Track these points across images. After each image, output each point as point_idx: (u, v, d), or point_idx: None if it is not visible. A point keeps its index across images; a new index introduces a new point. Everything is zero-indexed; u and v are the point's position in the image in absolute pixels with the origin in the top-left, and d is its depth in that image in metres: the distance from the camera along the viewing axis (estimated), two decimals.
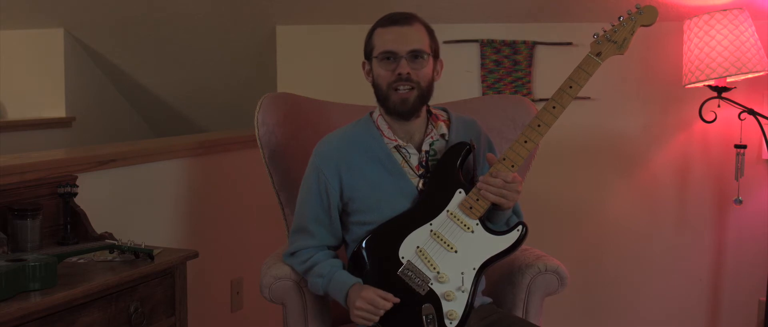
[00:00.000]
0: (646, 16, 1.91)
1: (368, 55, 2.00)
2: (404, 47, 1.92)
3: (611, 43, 1.90)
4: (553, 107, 1.89)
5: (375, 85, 1.99)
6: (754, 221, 3.12)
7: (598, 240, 3.27)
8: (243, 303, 3.10)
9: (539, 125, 1.90)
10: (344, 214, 2.03)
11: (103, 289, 1.78)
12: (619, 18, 1.92)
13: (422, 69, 1.94)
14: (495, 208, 1.92)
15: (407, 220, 1.94)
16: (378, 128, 2.02)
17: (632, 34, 1.91)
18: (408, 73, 1.92)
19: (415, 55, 1.93)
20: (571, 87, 1.89)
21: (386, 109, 1.98)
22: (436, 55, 2.01)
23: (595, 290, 3.28)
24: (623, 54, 1.92)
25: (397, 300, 1.85)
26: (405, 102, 1.94)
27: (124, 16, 3.77)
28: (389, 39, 1.94)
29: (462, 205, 1.90)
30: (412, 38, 1.94)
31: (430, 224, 1.92)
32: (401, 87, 1.93)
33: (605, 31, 1.92)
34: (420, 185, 1.98)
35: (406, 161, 1.99)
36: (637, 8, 1.92)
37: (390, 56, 1.93)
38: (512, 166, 1.88)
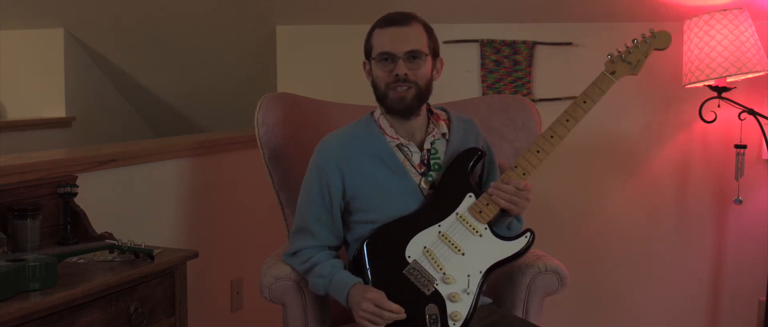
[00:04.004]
0: (660, 41, 1.97)
1: (368, 54, 2.01)
2: (401, 48, 1.93)
3: (626, 63, 1.96)
4: (567, 120, 1.93)
5: (374, 85, 2.00)
6: (754, 221, 3.11)
7: (598, 240, 3.27)
8: (243, 303, 3.10)
9: (553, 136, 1.93)
10: (346, 213, 2.03)
11: (103, 289, 1.78)
12: (634, 40, 1.97)
13: (420, 69, 1.95)
14: (503, 213, 1.94)
15: (415, 220, 1.94)
16: (380, 127, 2.02)
17: (646, 57, 1.96)
18: (405, 74, 1.92)
19: (412, 55, 1.94)
20: (585, 102, 1.94)
21: (385, 108, 2.00)
22: (435, 54, 2.01)
23: (595, 290, 3.28)
24: (637, 75, 1.97)
25: (404, 315, 1.85)
26: (402, 100, 1.94)
27: (124, 16, 3.77)
28: (386, 40, 1.95)
29: (472, 209, 1.92)
30: (410, 38, 1.94)
31: (439, 226, 1.92)
32: (399, 87, 1.93)
33: (619, 52, 1.97)
34: (422, 183, 1.98)
35: (408, 159, 2.00)
36: (651, 32, 1.97)
37: (387, 57, 1.94)
38: (523, 174, 1.90)
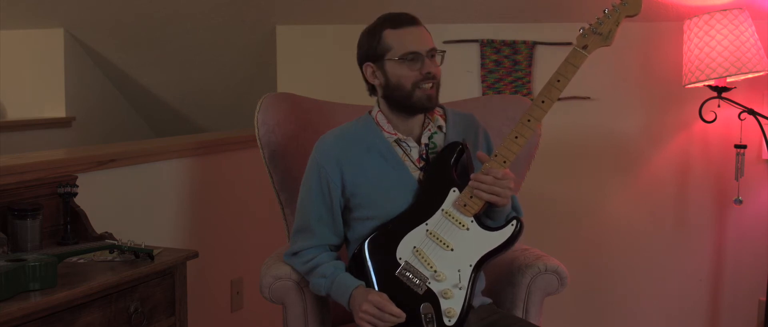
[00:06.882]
0: (631, 7, 1.91)
1: (378, 57, 1.99)
2: (425, 47, 1.96)
3: (597, 35, 1.91)
4: (542, 102, 1.90)
5: (394, 86, 1.97)
6: (754, 221, 3.11)
7: (598, 240, 3.27)
8: (243, 303, 3.10)
9: (529, 120, 1.90)
10: (346, 210, 2.03)
11: (103, 289, 1.78)
12: (604, 10, 1.92)
13: (439, 66, 1.99)
14: (491, 206, 1.92)
15: (404, 221, 1.94)
16: (378, 124, 2.03)
17: (617, 26, 1.91)
18: (434, 72, 1.96)
19: (432, 53, 1.98)
20: (559, 81, 1.90)
21: (409, 107, 1.98)
22: None
23: (595, 290, 3.28)
24: (610, 45, 1.92)
25: (405, 318, 1.85)
26: (431, 98, 1.97)
27: (124, 16, 3.77)
28: (411, 40, 1.96)
29: (456, 204, 1.91)
30: (427, 38, 1.98)
31: (426, 224, 1.92)
32: (426, 84, 1.95)
33: (591, 25, 1.92)
34: (421, 179, 1.98)
35: (407, 155, 2.00)
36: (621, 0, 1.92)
37: (414, 56, 1.95)
38: (504, 162, 1.88)
